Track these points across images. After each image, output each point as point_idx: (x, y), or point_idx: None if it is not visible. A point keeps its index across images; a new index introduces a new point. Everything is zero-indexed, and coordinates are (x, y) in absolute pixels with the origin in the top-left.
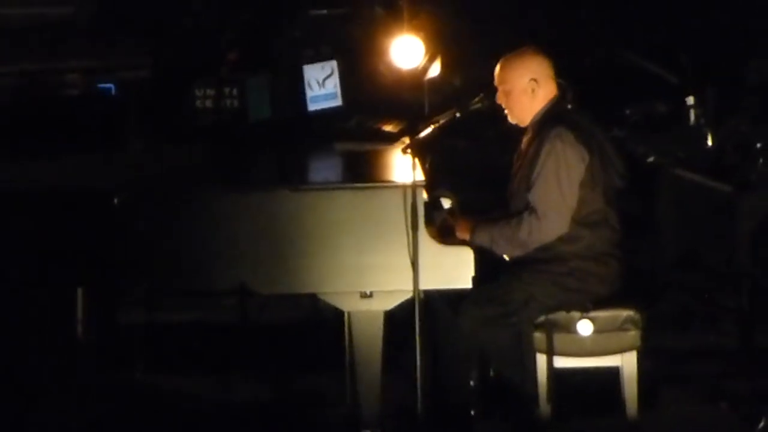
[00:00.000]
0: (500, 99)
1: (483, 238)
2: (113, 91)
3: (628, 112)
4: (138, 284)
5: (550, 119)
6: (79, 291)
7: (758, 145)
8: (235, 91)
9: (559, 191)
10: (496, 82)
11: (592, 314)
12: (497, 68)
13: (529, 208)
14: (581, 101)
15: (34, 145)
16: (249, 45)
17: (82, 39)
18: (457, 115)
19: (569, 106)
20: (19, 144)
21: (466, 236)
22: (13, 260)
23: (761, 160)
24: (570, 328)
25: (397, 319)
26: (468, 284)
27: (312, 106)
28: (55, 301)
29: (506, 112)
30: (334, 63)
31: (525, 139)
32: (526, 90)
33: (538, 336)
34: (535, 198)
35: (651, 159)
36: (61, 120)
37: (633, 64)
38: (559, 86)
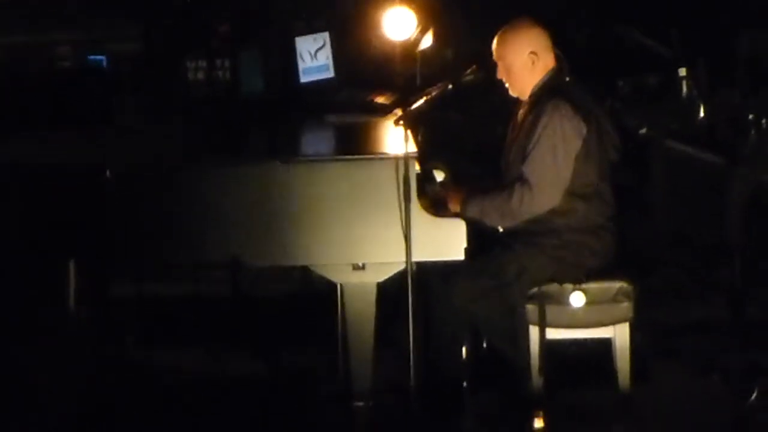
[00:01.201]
0: (501, 74)
1: (474, 209)
2: (105, 64)
3: (620, 84)
4: (129, 257)
5: (547, 91)
6: (71, 265)
7: (750, 117)
8: (226, 63)
9: (554, 164)
10: (494, 56)
11: (585, 286)
12: (494, 43)
13: (521, 179)
14: (574, 73)
15: (24, 119)
16: (241, 17)
17: (73, 11)
18: (450, 87)
19: (567, 79)
20: (9, 117)
21: (458, 208)
22: (4, 234)
23: (753, 132)
24: (562, 300)
25: (389, 292)
26: (460, 256)
27: (304, 78)
28: (46, 275)
29: (507, 86)
30: (326, 35)
31: (521, 111)
32: (526, 63)
33: (531, 308)
34: (528, 169)
35: (643, 131)
36: (52, 93)
37: (624, 37)
38: (557, 58)
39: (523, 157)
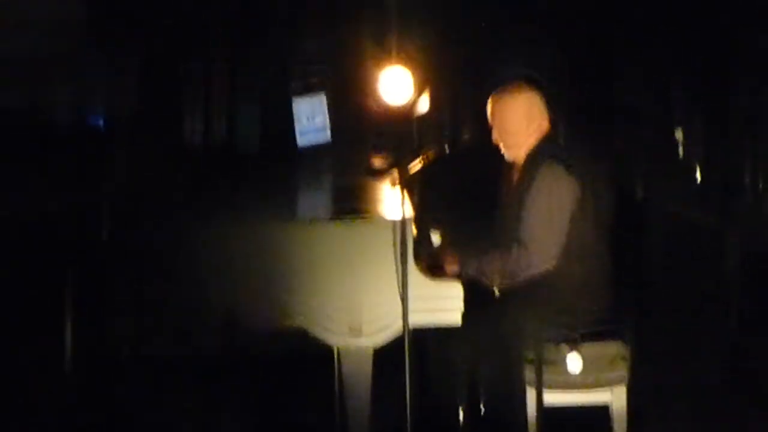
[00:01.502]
0: (496, 138)
1: (471, 269)
2: (102, 123)
3: (616, 144)
4: (127, 316)
5: (541, 153)
6: (68, 324)
7: (746, 177)
8: (223, 122)
9: (549, 225)
10: (489, 119)
11: (582, 348)
12: (489, 105)
13: (518, 241)
14: (571, 134)
15: (22, 178)
16: (238, 74)
17: (69, 70)
18: (446, 148)
19: (561, 141)
20: (7, 176)
21: (455, 269)
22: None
23: (749, 193)
24: (559, 362)
25: (386, 355)
26: (457, 319)
27: (301, 141)
28: (44, 335)
29: (504, 150)
30: (323, 96)
31: (516, 172)
32: (520, 125)
33: (528, 370)
34: (524, 231)
35: (639, 191)
36: (50, 151)
37: (622, 98)
38: (551, 120)
39: (518, 218)
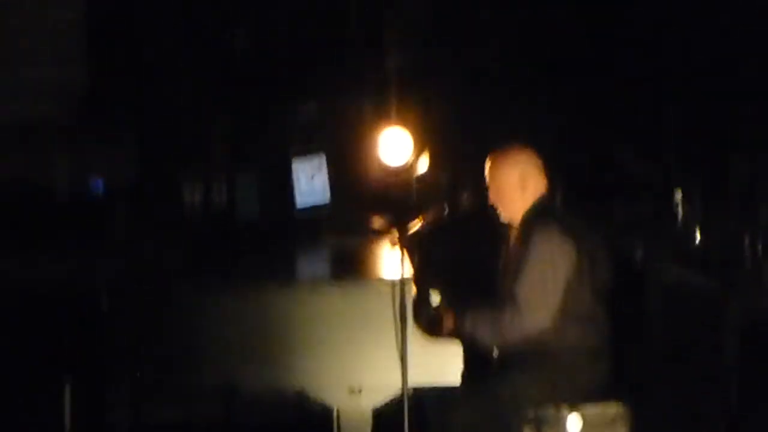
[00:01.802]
0: (492, 199)
1: (466, 326)
2: (101, 187)
3: (615, 207)
4: (124, 381)
5: (537, 215)
6: (67, 389)
7: (746, 242)
8: (223, 187)
9: (542, 285)
10: (486, 180)
11: (581, 410)
12: (487, 166)
13: (512, 300)
14: (568, 197)
15: (18, 242)
16: (237, 140)
17: (68, 136)
18: (446, 209)
19: (558, 204)
20: (4, 241)
21: (449, 325)
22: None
23: (749, 258)
24: (559, 425)
25: (385, 417)
26: (457, 380)
27: (300, 203)
28: (42, 400)
29: (499, 211)
30: (322, 157)
31: (514, 234)
32: (517, 186)
33: (528, 430)
34: (518, 290)
35: (638, 255)
36: (48, 217)
37: (619, 162)
38: (548, 182)
39: (514, 280)
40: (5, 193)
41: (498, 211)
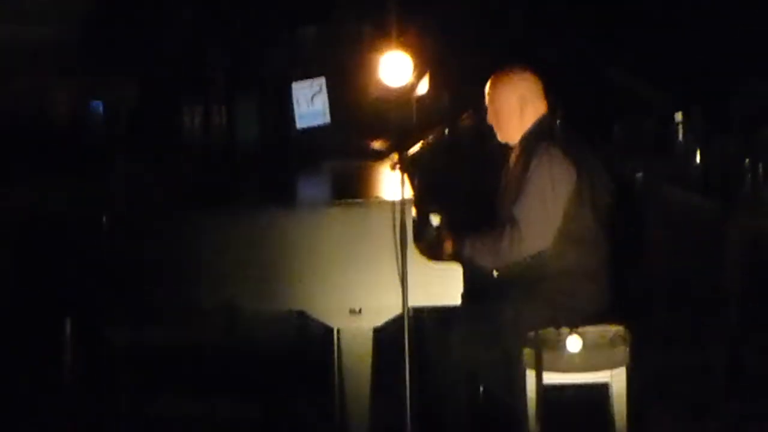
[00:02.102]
0: (490, 119)
1: (467, 248)
2: (101, 110)
3: (615, 129)
4: (125, 304)
5: (538, 136)
6: (67, 313)
7: (746, 161)
8: (223, 110)
9: (543, 206)
10: (486, 101)
11: (581, 330)
12: (487, 86)
13: (512, 221)
14: (569, 119)
15: (19, 167)
16: (237, 64)
17: (69, 58)
18: (446, 132)
19: (558, 123)
20: (3, 166)
21: (449, 248)
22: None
23: (749, 178)
24: (559, 345)
25: (386, 338)
26: (457, 301)
27: (300, 124)
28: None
29: (496, 131)
30: (322, 80)
31: (513, 156)
32: (515, 108)
33: (528, 352)
34: (518, 211)
35: (639, 176)
36: (48, 140)
37: (620, 82)
38: (549, 104)
39: (515, 201)
40: (4, 117)
41: (495, 132)
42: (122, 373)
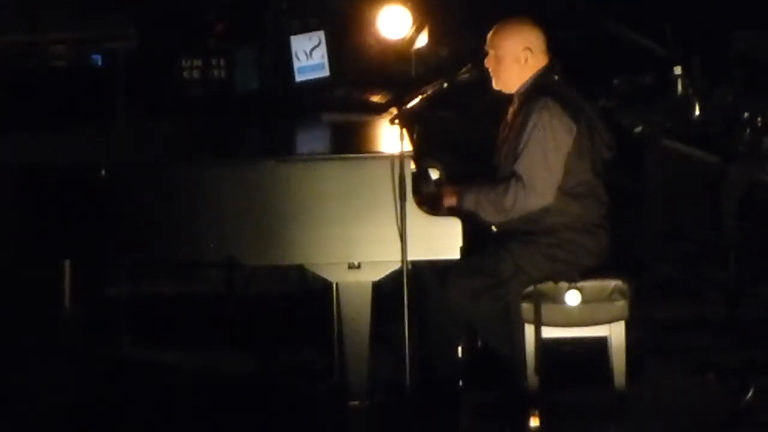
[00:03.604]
0: (489, 63)
1: (468, 203)
2: (100, 63)
3: (615, 82)
4: (125, 256)
5: (537, 90)
6: (66, 264)
7: (745, 114)
8: (222, 62)
9: (545, 161)
10: (487, 45)
11: (580, 284)
12: (491, 32)
13: (515, 177)
14: (568, 73)
15: (18, 118)
16: (236, 16)
17: (67, 10)
18: (445, 85)
19: (557, 78)
20: (3, 117)
21: (452, 202)
22: None
23: (748, 130)
24: (558, 299)
25: (384, 291)
26: (456, 255)
27: (299, 77)
28: (41, 274)
29: (492, 77)
30: (321, 33)
31: (511, 109)
32: (519, 58)
33: (526, 306)
34: (521, 167)
35: (638, 129)
36: (47, 92)
37: (619, 36)
38: (549, 58)
39: (515, 156)
40: (2, 67)
41: (491, 78)
42: (120, 325)
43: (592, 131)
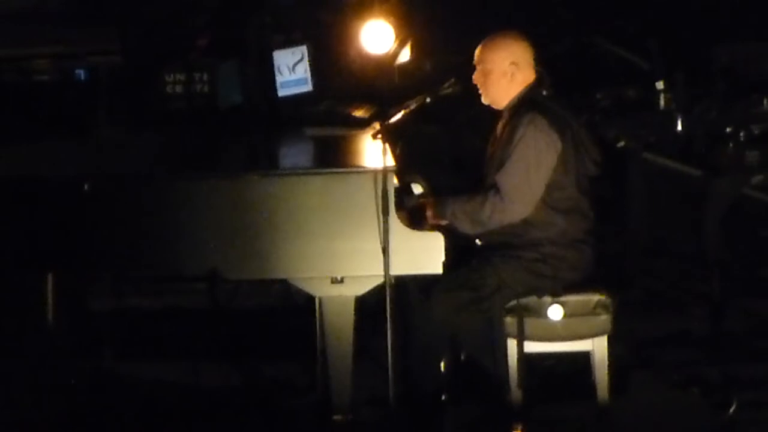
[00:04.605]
0: (477, 78)
1: (446, 212)
2: (83, 77)
3: (598, 96)
4: (108, 270)
5: (524, 104)
6: (50, 278)
7: (728, 129)
8: (205, 77)
9: (526, 175)
10: (475, 60)
11: (563, 299)
12: (479, 47)
13: (494, 188)
14: (553, 87)
15: (1, 132)
16: (219, 31)
17: (52, 25)
18: (428, 100)
19: (544, 93)
20: None
21: (436, 218)
22: None
23: (731, 145)
24: (541, 313)
25: (368, 305)
26: (439, 269)
27: (282, 92)
28: (24, 288)
29: (480, 92)
30: (304, 48)
31: (499, 124)
32: (506, 72)
33: (509, 321)
34: (501, 179)
35: (621, 144)
36: (31, 106)
37: (603, 50)
38: (537, 73)
39: (498, 169)
40: None
41: (479, 93)
42: (104, 339)
43: (579, 147)
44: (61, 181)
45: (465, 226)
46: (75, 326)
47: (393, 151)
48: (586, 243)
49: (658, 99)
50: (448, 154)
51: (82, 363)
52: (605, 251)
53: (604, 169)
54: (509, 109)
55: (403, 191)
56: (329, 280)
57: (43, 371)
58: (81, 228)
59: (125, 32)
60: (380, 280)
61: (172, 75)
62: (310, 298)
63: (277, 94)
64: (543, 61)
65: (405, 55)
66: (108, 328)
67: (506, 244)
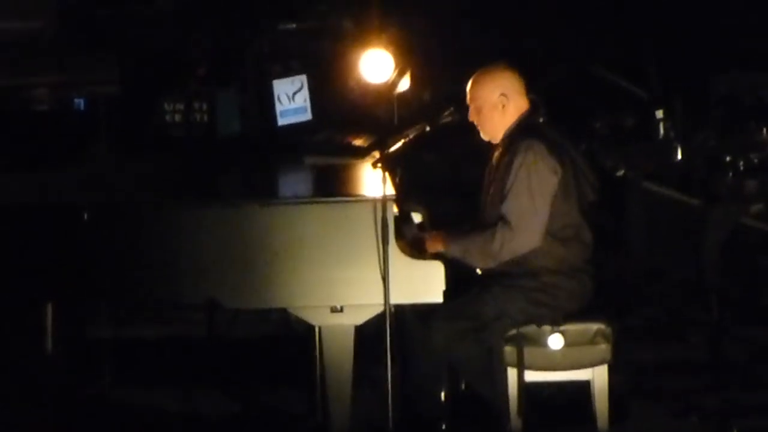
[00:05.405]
0: (472, 116)
1: (455, 249)
2: (82, 106)
3: (597, 125)
4: (107, 298)
5: (521, 132)
6: (49, 306)
7: (726, 158)
8: (204, 106)
9: (532, 203)
10: (467, 99)
11: (563, 328)
12: (468, 85)
13: (502, 220)
14: (550, 115)
15: (2, 160)
16: (218, 60)
17: (50, 54)
18: (427, 128)
19: (541, 120)
20: None
21: (438, 248)
22: None
23: (730, 173)
24: (541, 342)
25: (367, 334)
26: (439, 298)
27: (282, 121)
28: (23, 316)
29: (479, 129)
30: (303, 77)
31: (496, 153)
32: (497, 105)
33: (509, 350)
34: (507, 210)
35: (620, 172)
36: (30, 135)
37: (602, 79)
38: (531, 101)
39: (501, 198)
40: None
41: (478, 130)
42: (102, 368)
43: (577, 172)
44: (60, 209)
45: (477, 262)
46: (74, 354)
47: (392, 180)
48: (585, 272)
49: (657, 128)
50: (447, 182)
51: (81, 391)
52: (604, 278)
53: (603, 198)
54: (505, 137)
55: (403, 220)
56: (329, 309)
57: (42, 399)
58: (80, 256)
59: (124, 61)
60: (380, 309)
61: (171, 104)
62: (310, 327)
63: (276, 123)
64: (541, 90)
65: (404, 85)
66: (107, 355)
67: (506, 273)
